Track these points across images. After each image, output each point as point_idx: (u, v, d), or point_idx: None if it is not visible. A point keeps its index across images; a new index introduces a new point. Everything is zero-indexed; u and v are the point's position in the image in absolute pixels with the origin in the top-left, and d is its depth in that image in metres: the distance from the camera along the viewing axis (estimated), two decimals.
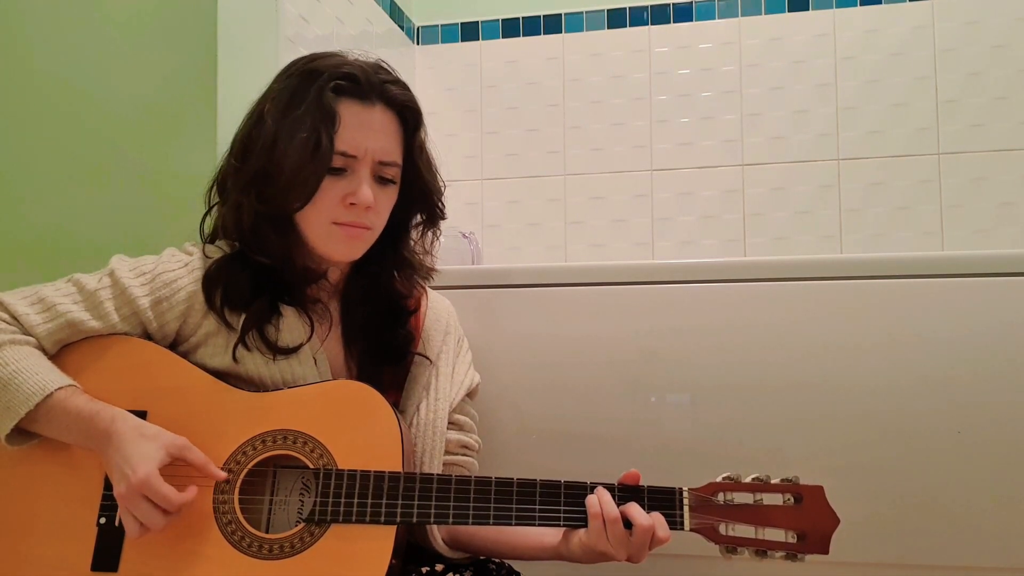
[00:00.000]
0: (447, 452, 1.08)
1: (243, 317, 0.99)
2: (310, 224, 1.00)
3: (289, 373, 1.00)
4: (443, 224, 1.13)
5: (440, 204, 1.09)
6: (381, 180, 1.01)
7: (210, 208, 1.06)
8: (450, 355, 1.12)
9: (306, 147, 0.94)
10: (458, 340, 1.16)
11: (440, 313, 1.15)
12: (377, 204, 1.00)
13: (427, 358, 1.09)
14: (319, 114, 0.95)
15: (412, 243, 1.10)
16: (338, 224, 0.99)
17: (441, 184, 1.08)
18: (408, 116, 1.03)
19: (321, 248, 1.01)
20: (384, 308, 1.08)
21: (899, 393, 1.24)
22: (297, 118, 0.96)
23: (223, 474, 0.92)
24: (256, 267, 1.00)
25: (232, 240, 1.02)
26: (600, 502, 0.92)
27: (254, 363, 1.00)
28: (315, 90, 0.96)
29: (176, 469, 0.90)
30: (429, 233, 1.11)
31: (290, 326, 1.01)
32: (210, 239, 1.06)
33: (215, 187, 1.05)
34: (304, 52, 1.05)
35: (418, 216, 1.09)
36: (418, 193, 1.06)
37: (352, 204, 0.98)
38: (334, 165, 0.97)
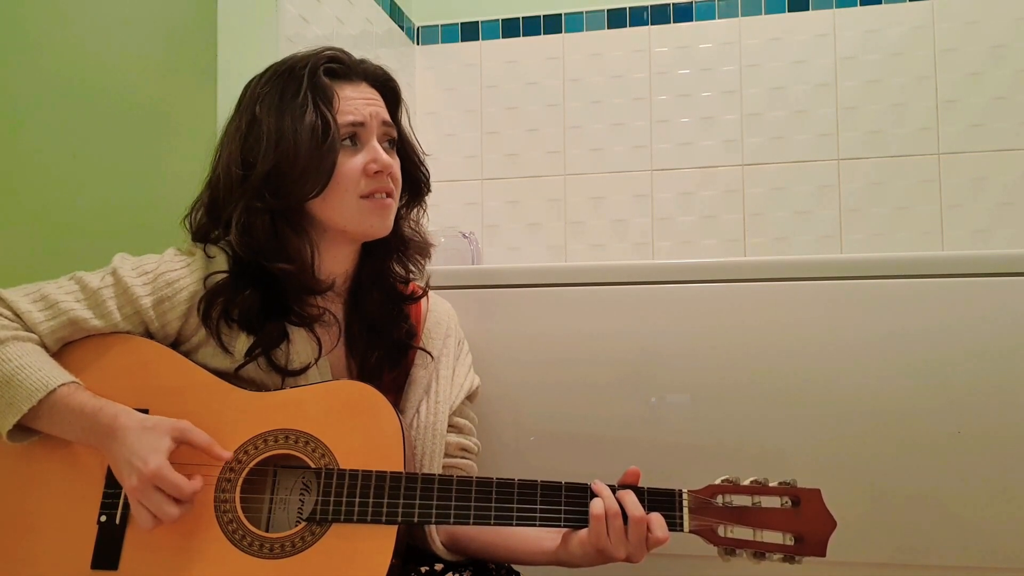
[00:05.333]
0: (446, 455, 1.08)
1: (241, 337, 0.99)
2: (336, 207, 0.99)
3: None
4: (443, 224, 1.13)
5: (424, 171, 1.11)
6: (389, 147, 1.03)
7: (196, 231, 1.04)
8: (450, 358, 1.13)
9: (315, 129, 0.96)
10: (458, 343, 1.16)
11: (440, 316, 1.15)
12: (393, 170, 1.02)
13: (428, 352, 1.10)
14: (319, 95, 0.97)
15: (411, 223, 1.11)
16: (366, 197, 1.00)
17: (423, 152, 1.11)
18: (389, 91, 1.06)
19: (355, 228, 1.01)
20: (387, 298, 1.09)
21: (899, 393, 1.24)
22: (296, 107, 0.97)
23: (228, 453, 0.92)
24: (263, 285, 0.99)
25: (248, 257, 0.99)
26: (602, 496, 0.92)
27: (255, 365, 1.00)
28: (307, 78, 0.98)
29: (181, 463, 0.89)
30: (416, 209, 1.12)
31: (299, 349, 1.01)
32: (202, 240, 1.05)
33: (205, 213, 1.03)
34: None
35: (405, 196, 1.10)
36: (410, 164, 1.09)
37: (376, 172, 0.99)
38: (346, 138, 0.99)
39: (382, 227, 1.03)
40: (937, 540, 1.23)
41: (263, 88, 1.01)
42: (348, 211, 1.00)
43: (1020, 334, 1.22)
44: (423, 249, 1.12)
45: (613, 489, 0.93)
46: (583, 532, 0.93)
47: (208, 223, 1.04)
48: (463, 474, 1.09)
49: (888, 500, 1.23)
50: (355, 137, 1.00)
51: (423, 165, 1.11)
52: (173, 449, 0.89)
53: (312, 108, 0.96)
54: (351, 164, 0.99)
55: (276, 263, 0.98)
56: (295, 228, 1.00)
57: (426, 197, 1.13)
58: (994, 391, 1.22)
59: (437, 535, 1.03)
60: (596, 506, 0.91)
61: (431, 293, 1.16)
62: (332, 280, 1.04)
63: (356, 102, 1.00)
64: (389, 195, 1.02)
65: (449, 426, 1.09)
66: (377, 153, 1.00)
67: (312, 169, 0.96)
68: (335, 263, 1.05)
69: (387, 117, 1.03)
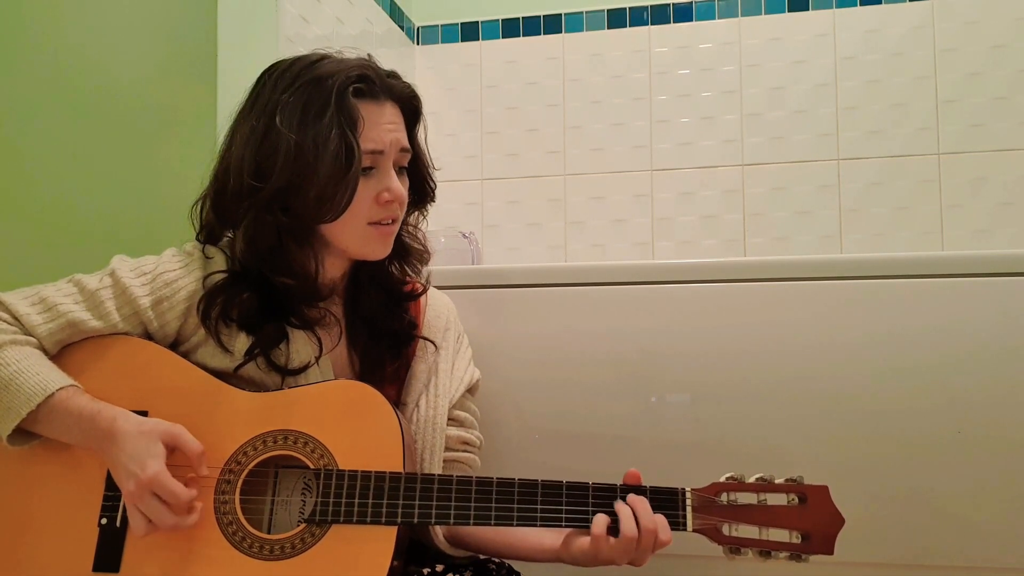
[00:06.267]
0: (448, 448, 1.08)
1: (241, 336, 0.99)
2: (344, 231, 0.99)
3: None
4: (443, 224, 1.13)
5: (432, 184, 1.10)
6: (399, 170, 1.02)
7: (203, 227, 1.03)
8: (450, 351, 1.13)
9: (338, 156, 0.93)
10: (458, 336, 1.16)
11: (440, 309, 1.15)
12: (403, 198, 1.01)
13: (431, 341, 1.10)
14: (345, 119, 0.94)
15: (410, 228, 1.11)
16: (373, 224, 0.99)
17: (433, 166, 1.10)
18: (411, 109, 1.04)
19: (357, 251, 1.01)
20: (387, 297, 1.09)
21: (899, 393, 1.24)
22: (321, 128, 0.94)
23: (207, 471, 0.91)
24: (263, 288, 0.99)
25: (250, 265, 0.99)
26: (621, 516, 0.90)
27: (255, 364, 0.99)
28: (335, 96, 0.95)
29: (179, 465, 0.89)
30: (416, 214, 1.11)
31: (299, 349, 1.01)
32: (206, 239, 1.05)
33: (211, 209, 1.02)
34: (304, 52, 1.04)
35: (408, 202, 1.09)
36: (419, 177, 1.08)
37: (388, 201, 0.98)
38: (364, 165, 0.97)
39: (383, 252, 1.03)
40: (937, 540, 1.23)
41: (286, 95, 0.97)
42: (354, 235, 1.00)
43: (1020, 334, 1.22)
44: (421, 256, 1.12)
45: (619, 490, 0.92)
46: (584, 541, 0.92)
47: (214, 220, 1.03)
48: (466, 468, 1.10)
49: (888, 500, 1.23)
50: (373, 162, 0.98)
51: (431, 179, 1.09)
52: (166, 454, 0.88)
53: (337, 133, 0.93)
54: (364, 191, 0.97)
55: (279, 277, 0.98)
56: (300, 243, 0.99)
57: (428, 205, 1.12)
58: (994, 391, 1.22)
59: (440, 530, 1.03)
60: (598, 525, 0.90)
61: (431, 288, 1.16)
62: (332, 285, 1.05)
63: (379, 128, 0.97)
64: (394, 221, 1.02)
65: (450, 419, 1.09)
66: (391, 182, 0.99)
67: (329, 196, 0.94)
68: (334, 268, 1.05)
69: (406, 143, 1.01)
